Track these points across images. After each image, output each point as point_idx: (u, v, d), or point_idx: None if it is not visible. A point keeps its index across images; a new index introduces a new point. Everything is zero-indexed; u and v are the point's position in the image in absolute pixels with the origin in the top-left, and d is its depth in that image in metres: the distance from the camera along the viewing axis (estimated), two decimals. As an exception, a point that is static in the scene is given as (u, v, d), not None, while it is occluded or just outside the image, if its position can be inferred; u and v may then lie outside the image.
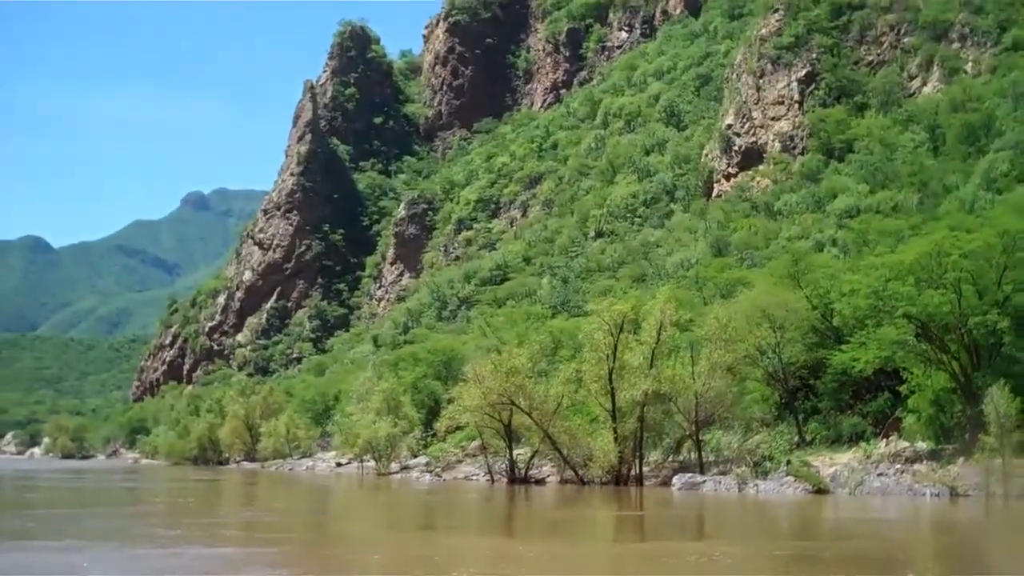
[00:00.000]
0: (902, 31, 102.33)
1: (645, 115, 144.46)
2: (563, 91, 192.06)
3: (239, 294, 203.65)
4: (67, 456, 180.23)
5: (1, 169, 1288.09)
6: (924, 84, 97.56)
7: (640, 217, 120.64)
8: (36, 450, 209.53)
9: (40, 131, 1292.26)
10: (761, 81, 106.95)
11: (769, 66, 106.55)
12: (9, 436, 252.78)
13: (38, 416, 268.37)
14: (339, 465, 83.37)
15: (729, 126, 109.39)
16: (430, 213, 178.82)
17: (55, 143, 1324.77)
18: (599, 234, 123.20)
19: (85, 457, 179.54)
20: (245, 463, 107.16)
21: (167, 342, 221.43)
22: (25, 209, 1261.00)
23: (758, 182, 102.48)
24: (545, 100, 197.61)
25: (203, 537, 25.51)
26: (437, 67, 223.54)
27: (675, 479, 47.58)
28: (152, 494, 54.33)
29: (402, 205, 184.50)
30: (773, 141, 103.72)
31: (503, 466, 56.50)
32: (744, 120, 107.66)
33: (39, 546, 22.29)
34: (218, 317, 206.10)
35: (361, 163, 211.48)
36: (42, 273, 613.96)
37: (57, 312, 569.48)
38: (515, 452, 55.88)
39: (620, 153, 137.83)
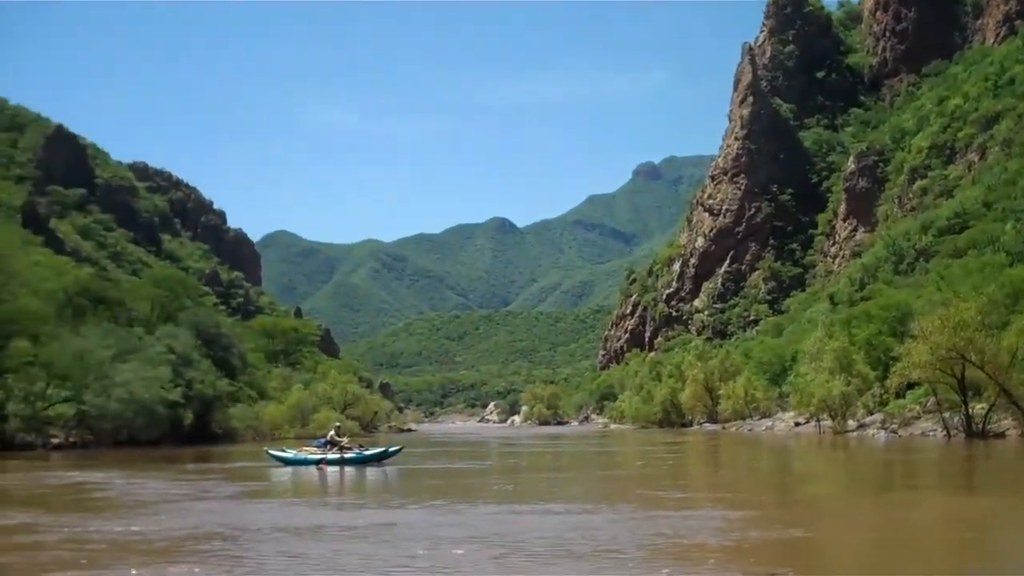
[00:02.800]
0: None
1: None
2: (1017, 22, 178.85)
3: (693, 260, 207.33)
4: (543, 423, 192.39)
5: (470, 157, 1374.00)
6: None
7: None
8: (516, 418, 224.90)
9: (498, 118, 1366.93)
10: None
11: None
12: (491, 406, 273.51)
13: (515, 386, 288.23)
14: (797, 425, 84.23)
15: None
16: (881, 164, 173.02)
17: (513, 129, 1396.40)
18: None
19: (560, 423, 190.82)
20: (707, 425, 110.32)
21: (628, 311, 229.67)
22: (491, 193, 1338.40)
23: None
24: (998, 34, 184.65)
25: (701, 500, 26.16)
26: (878, 12, 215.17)
27: None
28: (627, 457, 56.28)
29: (851, 159, 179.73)
30: None
31: (959, 421, 55.41)
32: None
33: (529, 508, 23.68)
34: (674, 284, 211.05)
35: (805, 120, 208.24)
36: (509, 252, 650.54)
37: (526, 288, 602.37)
38: (972, 406, 54.65)
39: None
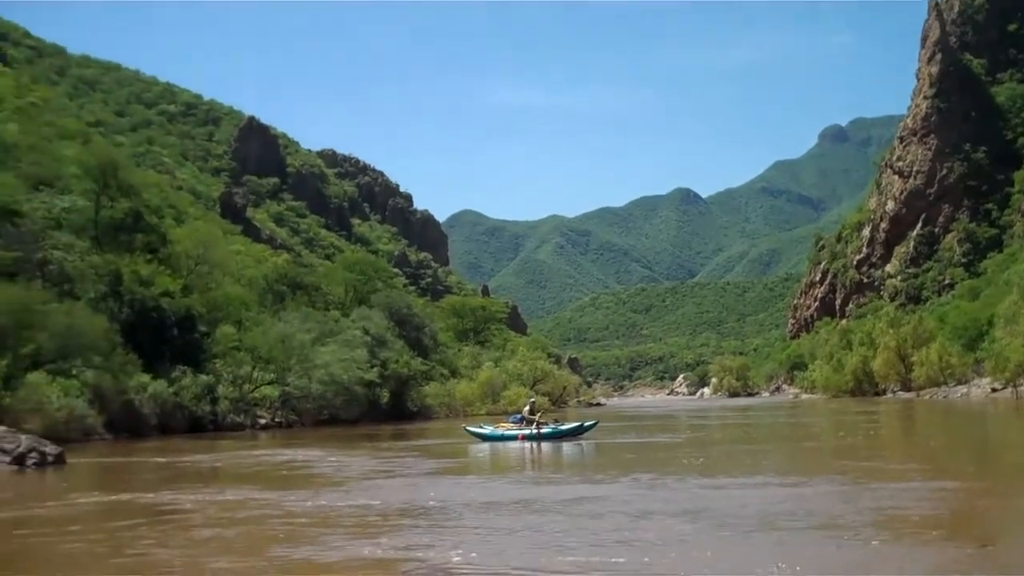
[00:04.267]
0: None
1: None
2: None
3: (883, 225, 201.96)
4: (733, 394, 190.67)
5: (652, 128, 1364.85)
6: None
7: None
8: (705, 390, 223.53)
9: (678, 86, 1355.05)
10: None
11: None
12: (680, 378, 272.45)
13: (704, 358, 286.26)
14: (993, 391, 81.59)
15: None
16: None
17: (695, 98, 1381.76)
18: None
19: (750, 394, 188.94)
20: (900, 393, 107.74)
21: (817, 279, 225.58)
22: (674, 163, 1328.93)
23: None
24: None
25: (910, 471, 25.17)
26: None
27: None
28: (824, 428, 54.97)
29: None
30: None
31: None
32: None
33: (733, 481, 23.43)
34: (864, 250, 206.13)
35: (998, 75, 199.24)
36: (694, 223, 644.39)
37: (712, 258, 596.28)
38: None
39: None
